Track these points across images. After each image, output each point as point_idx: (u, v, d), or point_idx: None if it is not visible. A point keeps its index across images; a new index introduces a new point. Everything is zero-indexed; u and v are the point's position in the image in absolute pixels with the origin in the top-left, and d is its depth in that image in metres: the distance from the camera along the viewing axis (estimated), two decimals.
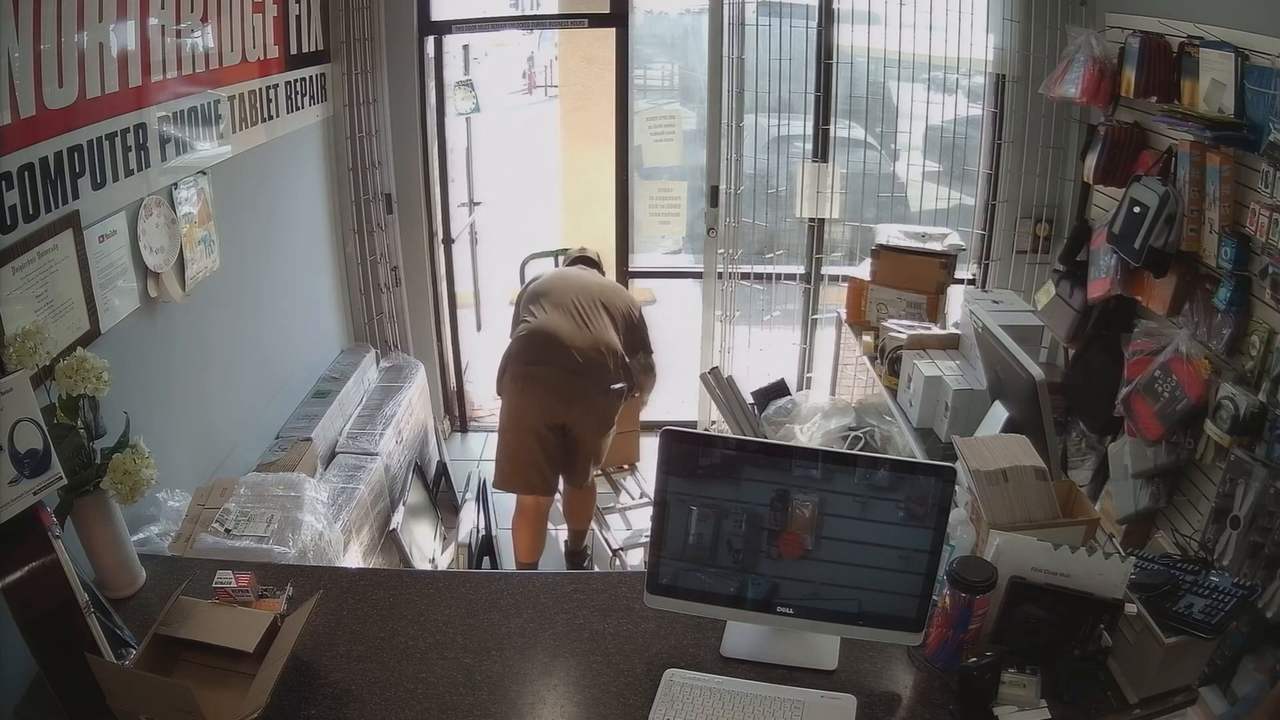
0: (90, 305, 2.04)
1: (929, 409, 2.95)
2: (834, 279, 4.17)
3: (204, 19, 2.58)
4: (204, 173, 2.59)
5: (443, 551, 3.50)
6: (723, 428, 3.81)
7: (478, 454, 4.48)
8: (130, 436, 1.75)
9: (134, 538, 1.95)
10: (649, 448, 4.02)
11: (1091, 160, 3.08)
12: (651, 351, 3.53)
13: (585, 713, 1.53)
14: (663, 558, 1.60)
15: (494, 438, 4.60)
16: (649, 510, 1.67)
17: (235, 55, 2.80)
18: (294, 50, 3.28)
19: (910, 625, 1.57)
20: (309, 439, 3.06)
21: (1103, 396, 2.95)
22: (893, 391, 3.19)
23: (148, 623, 1.59)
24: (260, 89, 3.00)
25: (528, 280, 3.62)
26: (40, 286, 1.85)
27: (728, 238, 4.10)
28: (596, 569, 3.58)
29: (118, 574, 1.76)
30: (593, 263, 3.72)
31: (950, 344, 3.14)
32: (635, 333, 3.44)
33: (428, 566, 3.31)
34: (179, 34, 2.44)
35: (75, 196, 1.98)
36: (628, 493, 4.01)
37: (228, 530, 2.27)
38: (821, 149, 3.98)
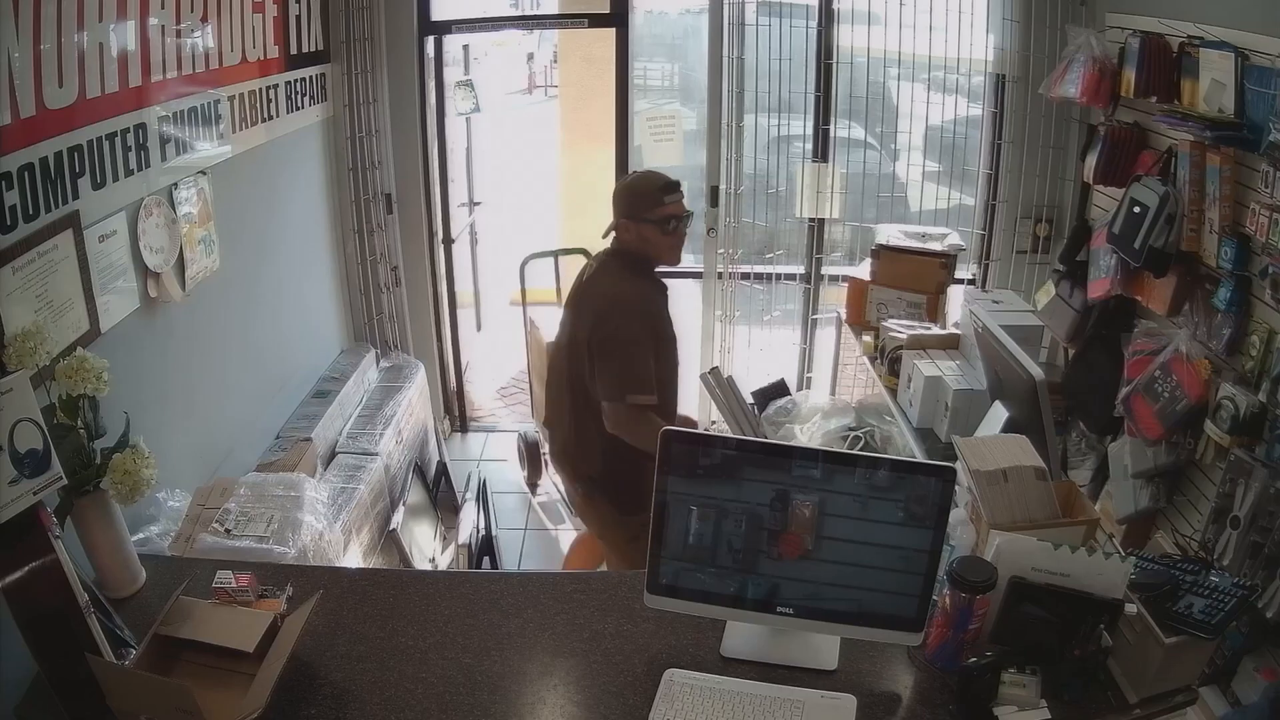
0: (90, 305, 2.04)
1: (929, 409, 2.95)
2: (834, 279, 4.17)
3: (204, 19, 2.58)
4: (204, 173, 2.59)
5: (443, 551, 3.50)
6: (723, 428, 3.81)
7: (478, 454, 4.49)
8: (130, 436, 1.75)
9: (134, 538, 1.95)
10: None
11: (1091, 160, 3.08)
12: (618, 398, 2.39)
13: (585, 713, 1.53)
14: (663, 558, 1.60)
15: (493, 437, 4.65)
16: None
17: (235, 55, 2.80)
18: (294, 50, 3.28)
19: (910, 625, 1.56)
20: (309, 439, 3.06)
21: (1103, 396, 2.95)
22: (893, 391, 3.19)
23: (148, 623, 1.59)
24: (260, 89, 3.00)
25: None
26: (40, 286, 1.85)
27: (728, 238, 4.10)
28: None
29: (118, 574, 1.76)
30: (617, 248, 2.53)
31: (950, 344, 3.14)
32: (595, 375, 2.41)
33: (428, 566, 3.31)
34: (179, 34, 2.44)
35: (75, 196, 1.98)
36: None
37: (228, 530, 2.27)
38: (821, 149, 3.98)
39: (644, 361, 2.38)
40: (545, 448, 4.18)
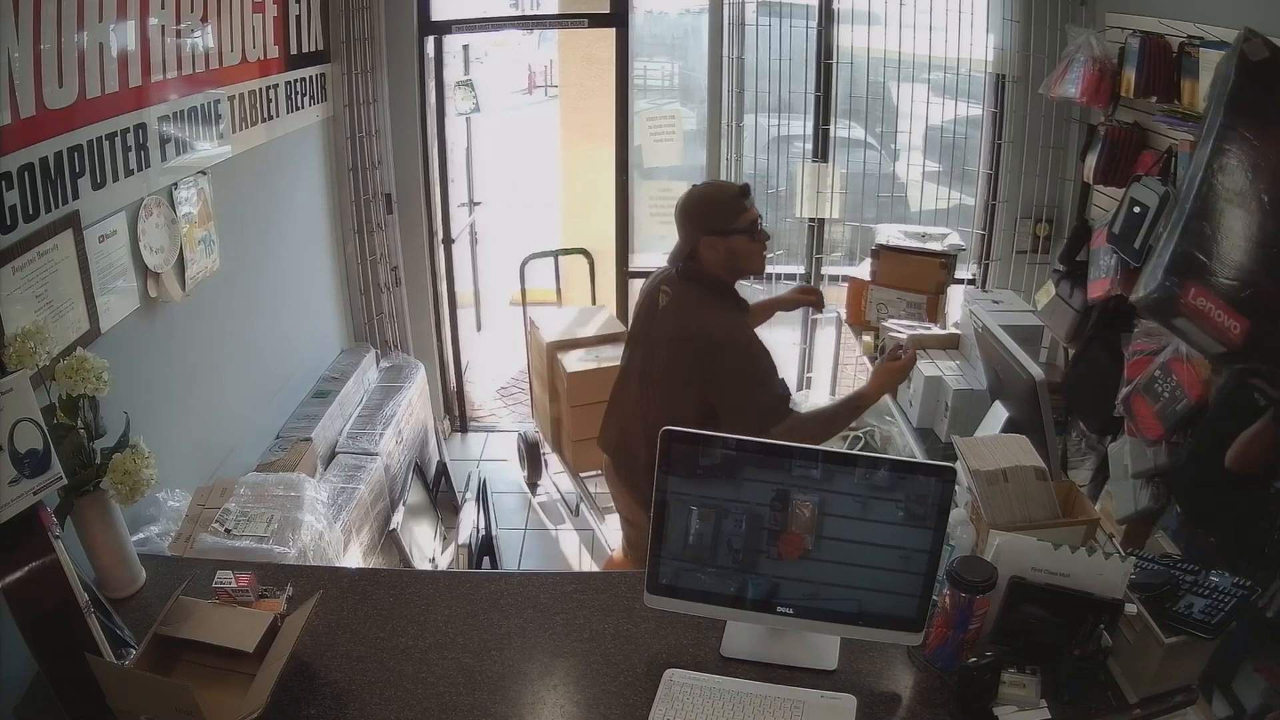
0: (90, 305, 2.04)
1: (929, 409, 2.96)
2: (834, 279, 4.17)
3: (204, 19, 2.58)
4: (204, 173, 2.59)
5: (443, 551, 3.50)
6: None
7: (478, 454, 4.49)
8: (130, 436, 1.75)
9: (134, 538, 1.95)
10: None
11: (1091, 160, 3.08)
12: (763, 434, 2.06)
13: (585, 713, 1.53)
14: (663, 558, 1.60)
15: (493, 437, 4.65)
16: None
17: (235, 55, 2.80)
18: (294, 50, 3.28)
19: (910, 625, 1.56)
20: (309, 439, 3.06)
21: (1103, 396, 2.95)
22: (893, 391, 3.19)
23: (148, 623, 1.59)
24: (260, 89, 3.00)
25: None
26: (40, 286, 1.85)
27: None
28: (596, 568, 3.59)
29: (118, 574, 1.76)
30: (693, 272, 2.32)
31: (950, 344, 3.15)
32: (725, 416, 2.24)
33: (428, 566, 3.31)
34: (179, 34, 2.44)
35: (75, 196, 1.98)
36: None
37: (228, 530, 2.27)
38: (821, 149, 3.98)
39: (770, 388, 2.26)
40: (556, 452, 4.17)
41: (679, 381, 2.29)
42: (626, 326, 4.15)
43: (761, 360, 2.28)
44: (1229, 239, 2.11)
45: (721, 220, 2.27)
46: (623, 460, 2.56)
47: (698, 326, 2.25)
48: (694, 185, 2.43)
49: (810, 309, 2.86)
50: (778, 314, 2.80)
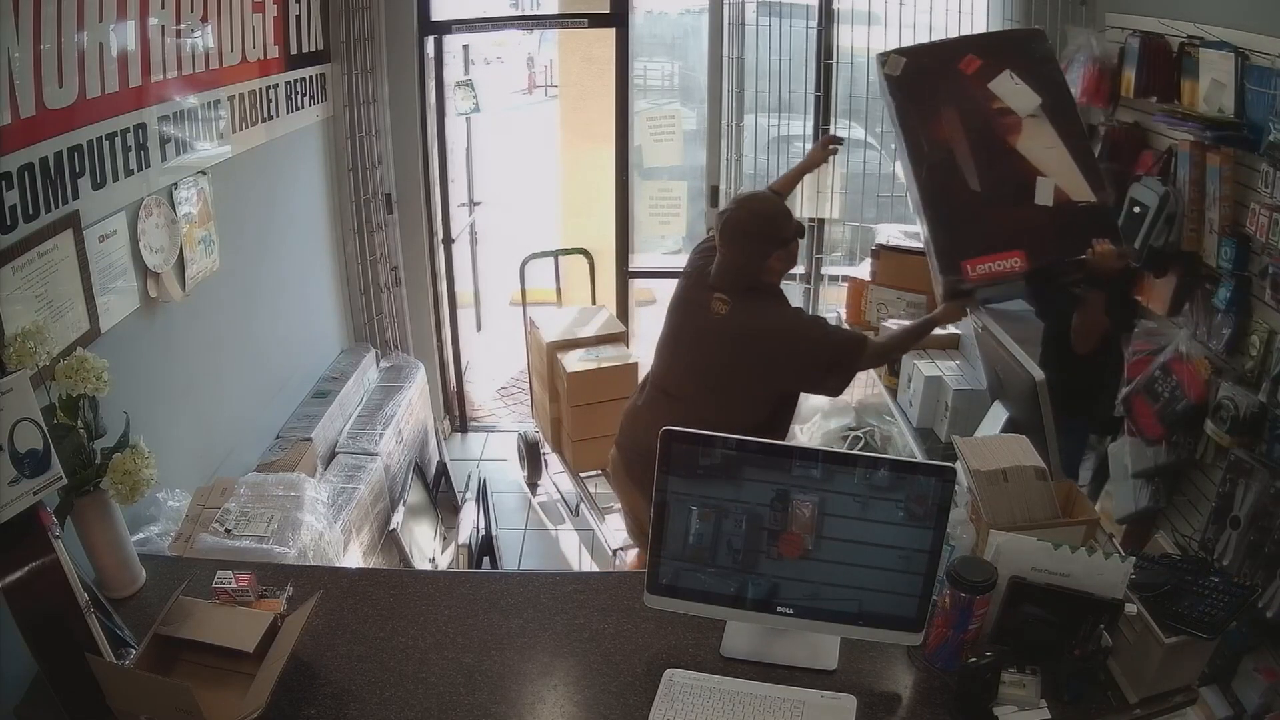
0: (90, 305, 2.04)
1: (929, 409, 2.96)
2: (834, 279, 4.17)
3: (204, 19, 2.58)
4: (204, 173, 2.59)
5: (443, 551, 3.50)
6: None
7: (478, 454, 4.49)
8: (130, 436, 1.75)
9: (134, 538, 1.95)
10: None
11: None
12: (854, 366, 2.44)
13: (585, 713, 1.53)
14: (663, 558, 1.61)
15: (493, 437, 4.65)
16: None
17: (235, 55, 2.80)
18: (294, 50, 3.28)
19: (910, 625, 1.57)
20: (309, 439, 3.06)
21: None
22: (893, 391, 3.19)
23: (148, 623, 1.59)
24: (260, 89, 3.00)
25: (687, 266, 2.61)
26: (40, 286, 1.85)
27: None
28: (596, 568, 3.59)
29: (118, 574, 1.76)
30: (748, 286, 2.39)
31: (950, 344, 3.15)
32: (818, 384, 2.46)
33: (428, 566, 3.31)
34: (179, 34, 2.44)
35: (75, 196, 1.98)
36: None
37: (228, 530, 2.27)
38: None
39: (839, 337, 2.47)
40: (554, 448, 4.17)
41: (759, 379, 2.39)
42: (626, 326, 4.15)
43: (832, 332, 2.47)
44: (963, 209, 2.52)
45: (784, 230, 2.39)
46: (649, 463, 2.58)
47: (785, 329, 2.39)
48: (739, 202, 2.46)
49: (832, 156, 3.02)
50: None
